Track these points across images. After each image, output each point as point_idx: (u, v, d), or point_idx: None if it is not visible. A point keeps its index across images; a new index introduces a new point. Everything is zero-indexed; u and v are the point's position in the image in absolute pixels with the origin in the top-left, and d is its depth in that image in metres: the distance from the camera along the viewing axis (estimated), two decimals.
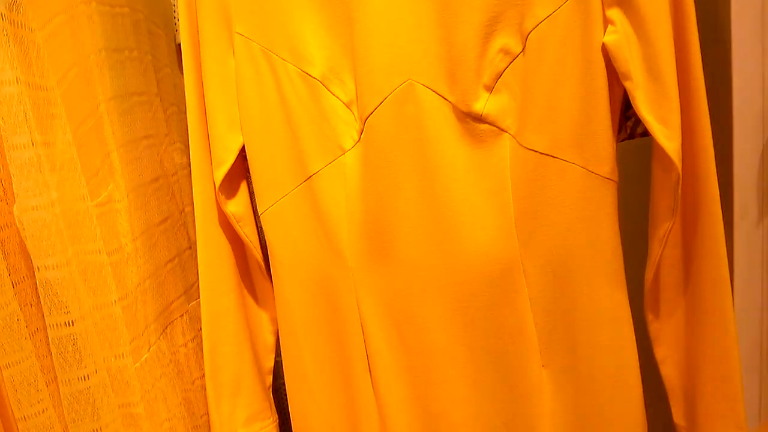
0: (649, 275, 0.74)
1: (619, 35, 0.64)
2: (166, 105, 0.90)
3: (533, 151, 0.68)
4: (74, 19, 0.70)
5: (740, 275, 0.80)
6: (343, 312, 0.76)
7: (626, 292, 0.72)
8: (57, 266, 0.62)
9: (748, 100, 0.76)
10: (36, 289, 0.62)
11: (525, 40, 0.67)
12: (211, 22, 0.75)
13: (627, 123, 0.75)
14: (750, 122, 0.76)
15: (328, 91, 0.73)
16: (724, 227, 0.69)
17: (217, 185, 0.77)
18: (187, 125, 0.79)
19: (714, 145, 0.68)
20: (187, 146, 0.80)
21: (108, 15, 0.77)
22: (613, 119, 0.68)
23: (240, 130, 0.76)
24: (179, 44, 0.86)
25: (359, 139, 0.72)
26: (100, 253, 0.68)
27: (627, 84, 0.65)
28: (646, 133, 0.72)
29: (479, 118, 0.69)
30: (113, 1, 0.78)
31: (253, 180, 0.78)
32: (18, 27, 0.61)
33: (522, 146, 0.69)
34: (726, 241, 0.69)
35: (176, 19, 0.91)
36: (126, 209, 0.74)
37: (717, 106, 0.78)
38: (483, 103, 0.69)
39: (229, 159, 0.77)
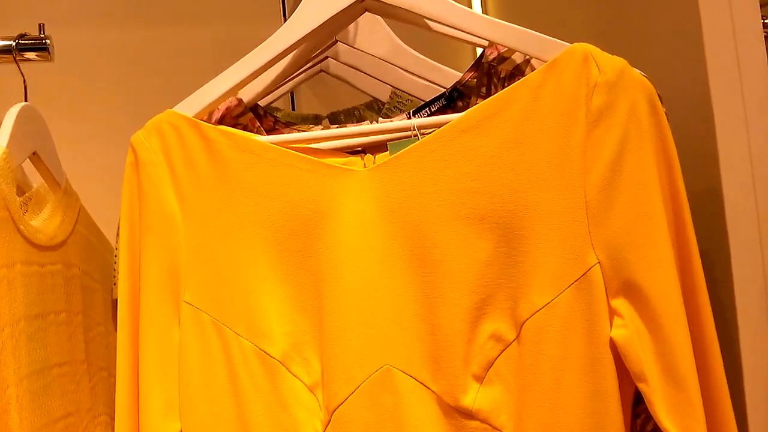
0: None
1: (628, 330, 0.56)
2: (94, 370, 0.77)
3: None
4: None
5: None
6: None
7: None
8: None
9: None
10: None
11: (520, 327, 0.59)
12: (156, 287, 0.64)
13: (636, 421, 0.65)
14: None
15: (289, 372, 0.62)
16: None
17: None
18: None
19: None
20: (113, 418, 0.66)
21: (35, 276, 0.66)
22: (625, 421, 0.58)
23: (178, 417, 0.63)
24: (116, 299, 0.75)
25: None
26: None
27: (641, 386, 0.56)
28: (657, 430, 0.62)
29: (469, 414, 0.59)
30: (43, 260, 0.68)
31: None
32: None
33: None
34: None
35: (115, 273, 0.81)
36: None
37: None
38: (473, 396, 0.59)
39: None
